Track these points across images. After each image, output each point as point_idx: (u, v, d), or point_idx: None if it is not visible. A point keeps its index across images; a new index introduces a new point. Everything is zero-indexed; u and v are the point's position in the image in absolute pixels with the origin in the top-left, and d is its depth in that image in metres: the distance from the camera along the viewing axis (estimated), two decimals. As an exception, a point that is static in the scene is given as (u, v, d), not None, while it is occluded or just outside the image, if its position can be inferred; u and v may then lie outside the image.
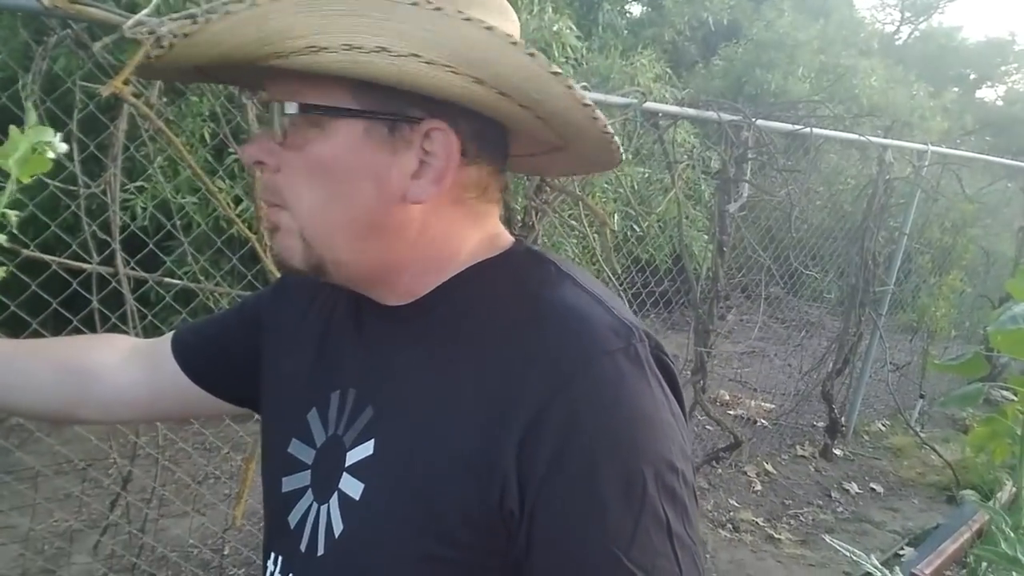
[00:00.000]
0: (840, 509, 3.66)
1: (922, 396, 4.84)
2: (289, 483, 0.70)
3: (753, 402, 4.72)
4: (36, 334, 1.99)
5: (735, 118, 3.06)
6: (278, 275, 0.70)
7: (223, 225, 2.65)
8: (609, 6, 7.23)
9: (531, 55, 0.54)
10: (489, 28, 0.53)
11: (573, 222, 3.07)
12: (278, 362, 0.78)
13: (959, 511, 3.51)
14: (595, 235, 2.95)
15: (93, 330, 1.80)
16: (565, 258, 0.71)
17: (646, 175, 4.37)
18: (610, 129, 0.61)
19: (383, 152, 0.60)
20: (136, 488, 2.09)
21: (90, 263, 1.87)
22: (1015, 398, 3.08)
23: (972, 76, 14.27)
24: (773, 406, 4.67)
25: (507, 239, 0.69)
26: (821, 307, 5.96)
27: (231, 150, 2.90)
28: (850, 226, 4.41)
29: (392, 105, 0.58)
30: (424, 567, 0.59)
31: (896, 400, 4.36)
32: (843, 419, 4.30)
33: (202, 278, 2.32)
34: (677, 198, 3.05)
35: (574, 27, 4.28)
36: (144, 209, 2.72)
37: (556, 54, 3.97)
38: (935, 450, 4.13)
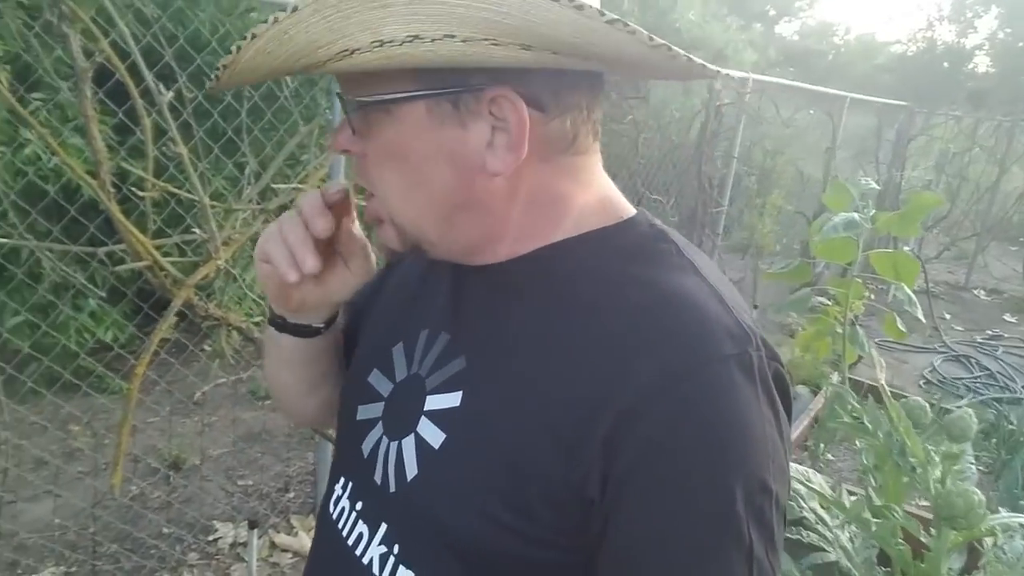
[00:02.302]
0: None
1: (756, 307, 5.28)
2: (364, 412, 0.70)
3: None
4: None
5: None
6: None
7: (40, 187, 2.35)
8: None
9: (578, 7, 0.48)
10: None
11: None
12: (384, 305, 0.78)
13: (795, 404, 3.90)
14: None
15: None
16: (687, 241, 0.65)
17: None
18: (696, 60, 0.55)
19: (452, 128, 0.57)
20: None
21: None
22: (830, 302, 3.44)
23: (772, 12, 15.38)
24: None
25: (626, 207, 0.65)
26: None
27: (35, 95, 2.56)
28: (682, 155, 4.65)
29: (452, 79, 0.55)
30: (493, 529, 0.57)
31: (734, 312, 4.71)
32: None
33: (29, 236, 2.04)
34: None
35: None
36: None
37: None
38: (771, 354, 4.53)
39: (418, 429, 0.62)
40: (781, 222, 5.71)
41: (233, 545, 2.38)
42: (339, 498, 0.70)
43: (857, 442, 2.57)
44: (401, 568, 0.62)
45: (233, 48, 0.53)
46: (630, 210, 0.66)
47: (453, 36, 0.49)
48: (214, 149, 2.20)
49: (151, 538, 2.25)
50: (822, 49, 14.85)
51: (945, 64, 13.63)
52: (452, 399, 0.61)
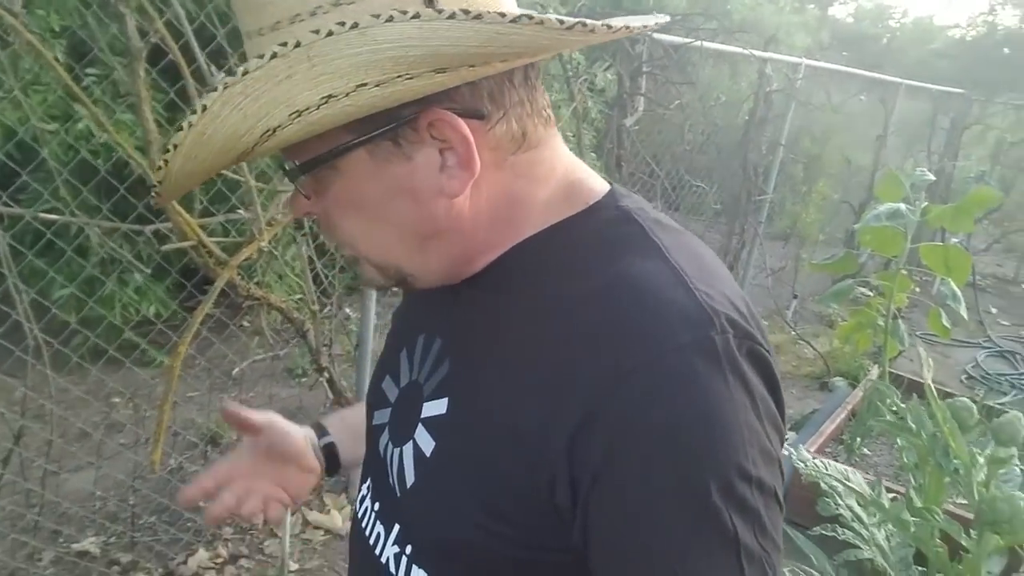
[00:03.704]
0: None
1: (795, 296, 5.19)
2: (378, 417, 0.72)
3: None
4: None
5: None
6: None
7: (91, 164, 2.39)
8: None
9: (476, 18, 0.47)
10: (416, 16, 0.47)
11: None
12: (399, 308, 0.81)
13: (832, 396, 3.84)
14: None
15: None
16: (661, 214, 0.63)
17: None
18: (622, 26, 0.53)
19: (399, 164, 0.56)
20: (32, 444, 1.92)
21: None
22: (872, 294, 3.33)
23: (826, -7, 14.96)
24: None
25: (593, 191, 0.63)
26: (701, 221, 6.22)
27: (89, 71, 2.61)
28: (727, 141, 4.57)
29: (383, 119, 0.53)
30: (483, 534, 0.57)
31: (775, 301, 4.66)
32: (729, 323, 4.54)
33: (79, 212, 2.09)
34: (578, 112, 3.02)
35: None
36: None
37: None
38: (809, 344, 4.46)
39: (415, 436, 0.63)
40: (825, 211, 5.58)
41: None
42: (364, 497, 0.72)
43: (898, 440, 2.52)
44: (414, 568, 0.62)
45: (160, 163, 0.53)
46: (597, 193, 0.63)
47: (365, 84, 0.48)
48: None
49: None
50: (877, 32, 14.40)
51: (1006, 50, 13.13)
52: (440, 406, 0.62)
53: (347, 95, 0.49)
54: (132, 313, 2.77)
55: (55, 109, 2.47)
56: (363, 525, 0.70)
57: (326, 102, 0.49)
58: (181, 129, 0.51)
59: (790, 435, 3.61)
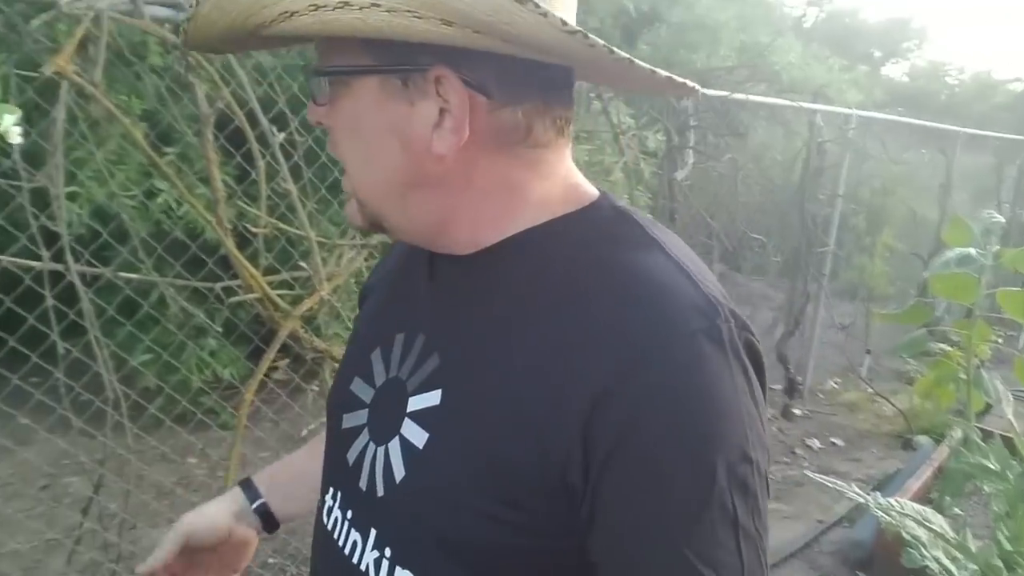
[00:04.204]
0: (806, 464, 3.76)
1: (868, 352, 5.02)
2: (348, 420, 0.70)
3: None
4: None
5: (677, 86, 3.10)
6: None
7: (165, 228, 2.54)
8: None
9: None
10: None
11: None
12: (363, 311, 0.81)
13: (916, 455, 3.65)
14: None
15: (49, 331, 1.70)
16: (652, 218, 0.67)
17: (587, 157, 4.40)
18: (626, 57, 0.55)
19: (400, 104, 0.59)
20: (108, 494, 1.99)
21: (40, 261, 1.76)
22: (950, 348, 3.20)
23: (877, 54, 14.91)
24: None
25: (590, 192, 0.66)
26: (763, 280, 6.13)
27: (169, 149, 2.80)
28: (784, 196, 4.55)
29: (402, 56, 0.57)
30: (485, 524, 0.58)
31: (847, 358, 4.51)
32: (799, 379, 4.42)
33: (155, 273, 2.22)
34: (628, 168, 3.07)
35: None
36: (79, 215, 2.59)
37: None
38: (888, 400, 4.29)
39: (402, 431, 0.63)
40: (893, 264, 5.44)
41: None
42: (331, 508, 0.71)
43: (985, 486, 2.38)
44: (397, 569, 0.62)
45: (194, 2, 0.58)
46: (592, 195, 0.66)
47: (379, 5, 0.51)
48: (321, 189, 2.34)
49: (257, 567, 2.32)
50: (935, 89, 14.24)
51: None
52: (432, 398, 0.62)
53: (360, 8, 0.52)
54: (209, 375, 2.88)
55: (135, 184, 2.66)
56: (335, 537, 0.69)
57: (342, 7, 0.52)
58: None
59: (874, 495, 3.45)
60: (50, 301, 1.71)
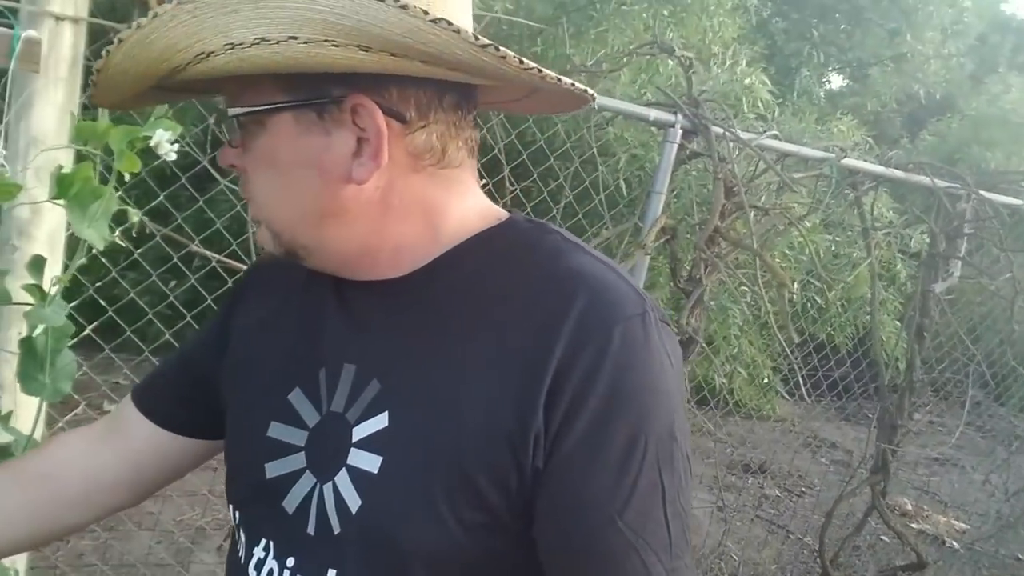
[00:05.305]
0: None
1: None
2: (275, 468, 0.67)
3: (943, 518, 4.08)
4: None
5: (953, 185, 2.67)
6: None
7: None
8: (808, 72, 6.85)
9: (402, 7, 0.51)
10: None
11: (746, 282, 2.78)
12: (249, 354, 0.75)
13: None
14: (770, 300, 2.64)
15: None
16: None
17: (833, 246, 3.97)
18: (535, 67, 0.56)
19: (317, 136, 0.60)
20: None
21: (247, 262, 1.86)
22: None
23: None
24: (967, 527, 4.02)
25: (502, 212, 0.69)
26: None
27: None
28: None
29: (316, 88, 0.59)
30: (456, 531, 0.59)
31: None
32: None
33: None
34: (872, 268, 2.68)
35: (767, 82, 4.01)
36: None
37: (745, 108, 3.71)
38: None
39: (348, 462, 0.63)
40: None
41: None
42: (262, 561, 0.67)
43: None
44: None
45: (104, 52, 0.58)
46: (504, 213, 0.69)
47: (296, 38, 0.53)
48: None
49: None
50: None
51: None
52: (380, 421, 0.62)
53: (278, 43, 0.53)
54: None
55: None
56: None
57: (259, 43, 0.53)
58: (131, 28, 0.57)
59: None
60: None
